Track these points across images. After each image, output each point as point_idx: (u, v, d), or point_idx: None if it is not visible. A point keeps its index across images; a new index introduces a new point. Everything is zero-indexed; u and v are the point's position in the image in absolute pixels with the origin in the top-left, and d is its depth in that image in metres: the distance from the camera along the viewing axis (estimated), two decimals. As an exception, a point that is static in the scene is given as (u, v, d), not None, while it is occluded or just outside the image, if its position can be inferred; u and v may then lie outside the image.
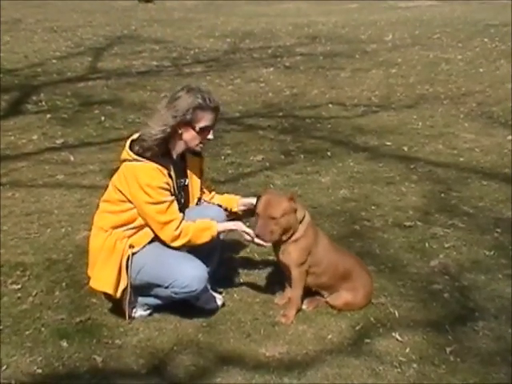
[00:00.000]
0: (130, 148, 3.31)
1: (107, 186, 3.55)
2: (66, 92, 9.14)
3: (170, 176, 3.35)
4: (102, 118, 7.81)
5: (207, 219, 3.44)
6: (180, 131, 3.35)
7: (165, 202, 3.29)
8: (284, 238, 3.44)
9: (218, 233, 3.42)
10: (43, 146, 6.71)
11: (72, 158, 6.27)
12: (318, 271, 3.56)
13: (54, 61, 11.47)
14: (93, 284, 3.42)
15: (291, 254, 3.48)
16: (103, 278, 3.35)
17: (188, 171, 3.57)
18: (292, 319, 3.49)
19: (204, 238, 3.37)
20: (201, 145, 3.45)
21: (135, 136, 3.40)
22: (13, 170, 5.90)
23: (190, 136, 3.37)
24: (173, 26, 16.48)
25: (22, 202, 5.15)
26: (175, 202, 3.37)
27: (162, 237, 3.34)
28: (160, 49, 13.08)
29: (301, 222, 3.49)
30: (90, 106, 8.45)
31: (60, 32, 14.96)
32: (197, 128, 3.34)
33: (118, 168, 3.43)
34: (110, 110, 8.23)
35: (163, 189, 3.28)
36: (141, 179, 3.23)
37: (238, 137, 7.02)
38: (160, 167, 3.27)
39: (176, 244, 3.34)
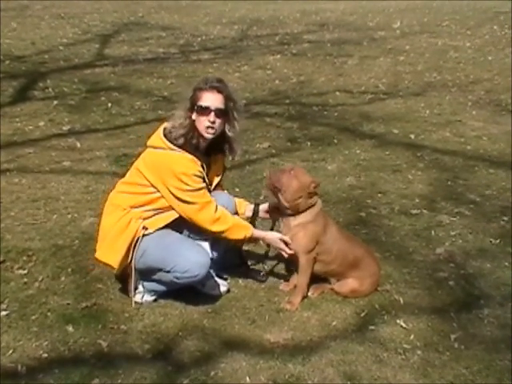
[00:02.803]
0: (164, 136, 3.35)
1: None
2: (73, 79, 9.14)
3: (202, 167, 3.40)
4: (109, 105, 7.81)
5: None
6: (193, 117, 3.38)
7: (201, 188, 3.34)
8: (287, 209, 3.49)
9: (252, 237, 3.48)
10: (50, 132, 6.71)
11: (79, 145, 6.27)
12: (328, 259, 3.56)
13: (61, 47, 11.46)
14: (98, 255, 3.43)
15: (299, 241, 3.49)
16: (111, 251, 3.36)
17: (210, 166, 3.58)
18: (297, 306, 3.50)
19: (238, 236, 3.44)
20: (209, 130, 3.39)
21: (167, 124, 3.44)
22: (20, 156, 5.91)
23: (197, 120, 3.39)
24: (180, 12, 16.44)
25: (28, 188, 5.16)
26: (207, 189, 3.42)
27: (201, 218, 3.35)
28: (167, 36, 13.05)
29: (311, 207, 3.50)
30: (96, 92, 8.44)
31: (67, 19, 14.95)
32: (196, 107, 3.37)
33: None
34: (117, 97, 8.23)
35: (198, 176, 3.32)
36: (176, 169, 3.27)
37: (244, 124, 6.98)
38: (194, 158, 3.32)
39: (215, 228, 3.37)
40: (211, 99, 3.38)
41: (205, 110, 3.36)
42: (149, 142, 3.42)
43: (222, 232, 3.39)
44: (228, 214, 3.43)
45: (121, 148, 6.07)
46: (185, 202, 3.33)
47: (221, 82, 3.44)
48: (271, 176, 3.57)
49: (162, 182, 3.31)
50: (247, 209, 3.76)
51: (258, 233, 3.52)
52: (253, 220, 3.72)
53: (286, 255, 3.52)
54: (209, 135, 3.42)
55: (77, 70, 9.74)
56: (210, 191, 3.54)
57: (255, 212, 3.73)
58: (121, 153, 5.89)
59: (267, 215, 3.73)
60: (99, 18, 15.24)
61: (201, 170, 3.36)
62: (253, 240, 3.61)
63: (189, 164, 3.30)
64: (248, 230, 3.45)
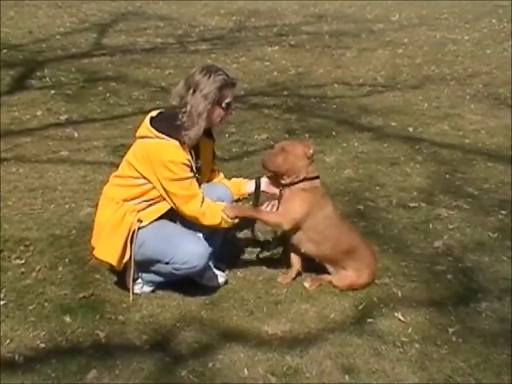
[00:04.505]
0: (151, 125, 3.29)
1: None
2: (71, 68, 9.09)
3: (191, 154, 3.36)
4: (107, 95, 7.77)
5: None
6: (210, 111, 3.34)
7: (188, 177, 3.29)
8: (285, 180, 3.50)
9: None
10: (47, 121, 6.68)
11: (76, 134, 6.24)
12: (317, 239, 3.53)
13: (59, 37, 11.39)
14: (97, 253, 3.41)
15: (290, 203, 3.48)
16: (108, 248, 3.35)
17: (201, 153, 3.55)
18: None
19: (226, 225, 3.42)
20: (223, 121, 3.44)
21: (154, 113, 3.39)
22: (17, 145, 5.88)
23: (216, 114, 3.36)
24: (178, 3, 16.34)
25: (25, 178, 5.14)
26: (195, 179, 3.37)
27: (187, 212, 3.33)
28: (165, 26, 12.99)
29: (310, 179, 3.50)
30: (94, 82, 8.40)
31: (64, 7, 14.85)
32: (223, 105, 3.34)
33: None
34: (115, 87, 8.19)
35: (185, 165, 3.28)
36: (164, 156, 3.22)
37: (242, 115, 6.97)
38: (183, 145, 3.27)
39: (203, 222, 3.35)
40: (233, 93, 3.39)
41: (230, 105, 3.38)
42: (137, 133, 3.38)
43: (212, 226, 3.38)
44: (215, 208, 3.37)
45: (118, 138, 6.04)
46: (172, 193, 3.30)
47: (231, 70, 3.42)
48: (267, 164, 3.53)
49: (152, 171, 3.28)
50: (248, 185, 3.72)
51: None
52: (257, 195, 3.68)
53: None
54: (222, 125, 3.47)
55: (74, 60, 9.68)
56: (200, 180, 3.52)
57: (257, 186, 3.67)
58: (118, 143, 5.86)
59: (269, 188, 3.67)
60: (97, 7, 15.14)
61: (189, 158, 3.31)
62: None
63: (177, 152, 3.25)
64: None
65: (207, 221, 3.35)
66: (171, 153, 3.23)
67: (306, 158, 3.50)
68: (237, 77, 3.42)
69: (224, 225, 3.40)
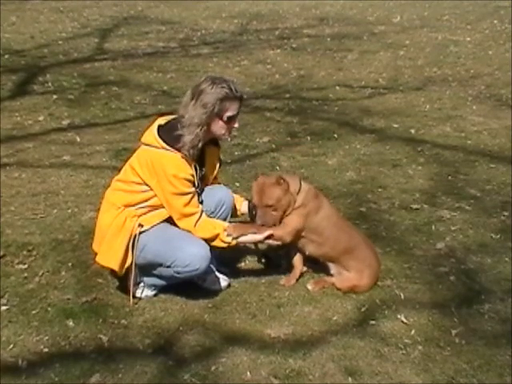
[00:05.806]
0: (159, 135, 3.28)
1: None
2: (73, 73, 9.10)
3: (195, 168, 3.36)
4: (109, 99, 7.78)
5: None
6: (209, 123, 3.32)
7: (189, 193, 3.30)
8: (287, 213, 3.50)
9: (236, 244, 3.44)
10: (50, 126, 6.69)
11: (78, 139, 6.25)
12: (319, 240, 3.56)
13: (61, 42, 11.41)
14: (99, 259, 3.42)
15: (288, 221, 3.50)
16: (110, 253, 3.35)
17: (206, 161, 3.55)
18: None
19: (220, 245, 3.40)
20: (228, 133, 3.43)
21: (162, 122, 3.37)
22: (19, 150, 5.89)
23: (217, 126, 3.35)
24: (180, 6, 16.38)
25: (28, 183, 5.15)
26: (196, 195, 3.38)
27: (181, 226, 3.36)
28: (167, 30, 13.00)
29: (298, 193, 3.50)
30: (96, 86, 8.41)
31: (66, 12, 14.88)
32: (224, 118, 3.32)
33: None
34: (117, 91, 8.20)
35: (188, 180, 3.28)
36: (168, 169, 3.22)
37: (244, 118, 6.95)
38: (188, 158, 3.27)
39: (198, 235, 3.36)
40: (238, 108, 3.37)
41: (233, 119, 3.36)
42: (143, 139, 3.36)
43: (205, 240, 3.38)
44: (210, 225, 3.38)
45: (121, 142, 6.05)
46: (170, 205, 3.31)
47: (237, 85, 3.39)
48: (269, 225, 3.50)
49: (155, 180, 3.28)
50: (243, 205, 3.75)
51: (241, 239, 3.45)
52: (251, 217, 3.69)
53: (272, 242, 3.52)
54: (226, 137, 3.46)
55: (76, 65, 9.70)
56: (202, 186, 3.53)
57: (250, 209, 3.69)
58: (121, 147, 5.88)
59: None
60: (98, 11, 15.17)
61: (193, 173, 3.31)
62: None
63: (181, 166, 3.24)
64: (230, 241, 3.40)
65: (200, 235, 3.36)
66: (175, 167, 3.23)
67: (286, 191, 3.45)
68: (243, 92, 3.40)
69: (220, 244, 3.39)
